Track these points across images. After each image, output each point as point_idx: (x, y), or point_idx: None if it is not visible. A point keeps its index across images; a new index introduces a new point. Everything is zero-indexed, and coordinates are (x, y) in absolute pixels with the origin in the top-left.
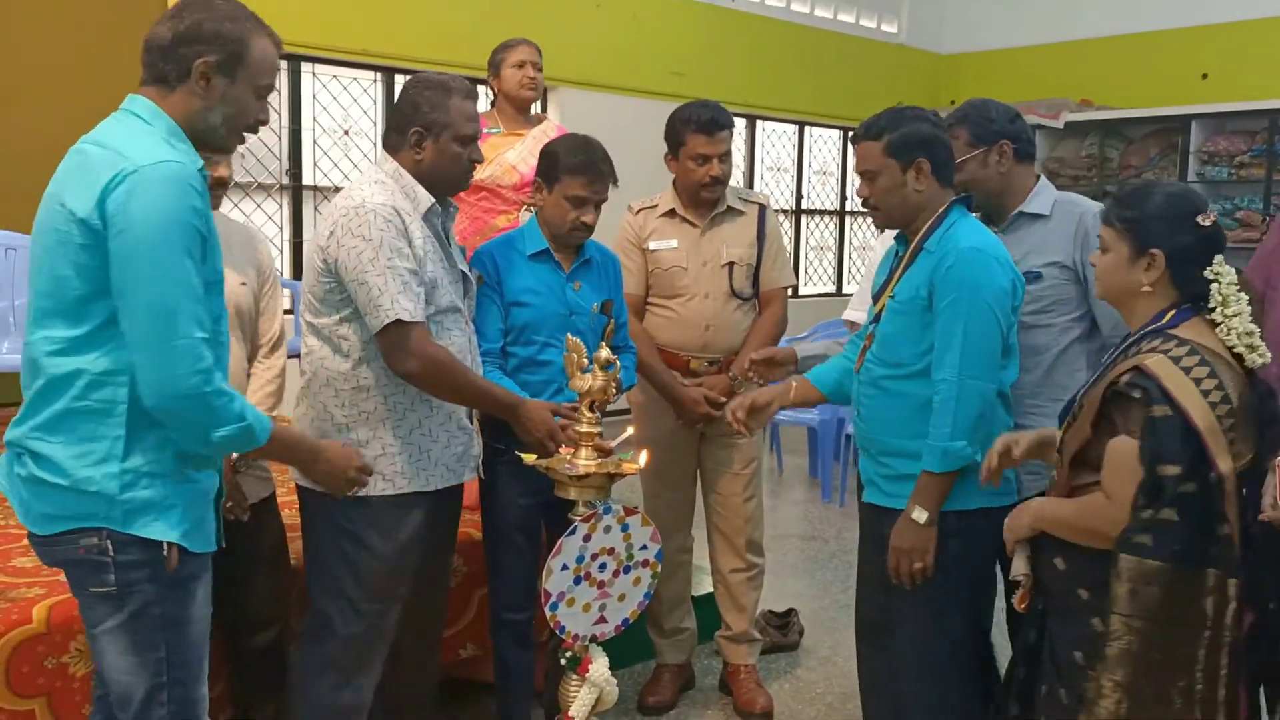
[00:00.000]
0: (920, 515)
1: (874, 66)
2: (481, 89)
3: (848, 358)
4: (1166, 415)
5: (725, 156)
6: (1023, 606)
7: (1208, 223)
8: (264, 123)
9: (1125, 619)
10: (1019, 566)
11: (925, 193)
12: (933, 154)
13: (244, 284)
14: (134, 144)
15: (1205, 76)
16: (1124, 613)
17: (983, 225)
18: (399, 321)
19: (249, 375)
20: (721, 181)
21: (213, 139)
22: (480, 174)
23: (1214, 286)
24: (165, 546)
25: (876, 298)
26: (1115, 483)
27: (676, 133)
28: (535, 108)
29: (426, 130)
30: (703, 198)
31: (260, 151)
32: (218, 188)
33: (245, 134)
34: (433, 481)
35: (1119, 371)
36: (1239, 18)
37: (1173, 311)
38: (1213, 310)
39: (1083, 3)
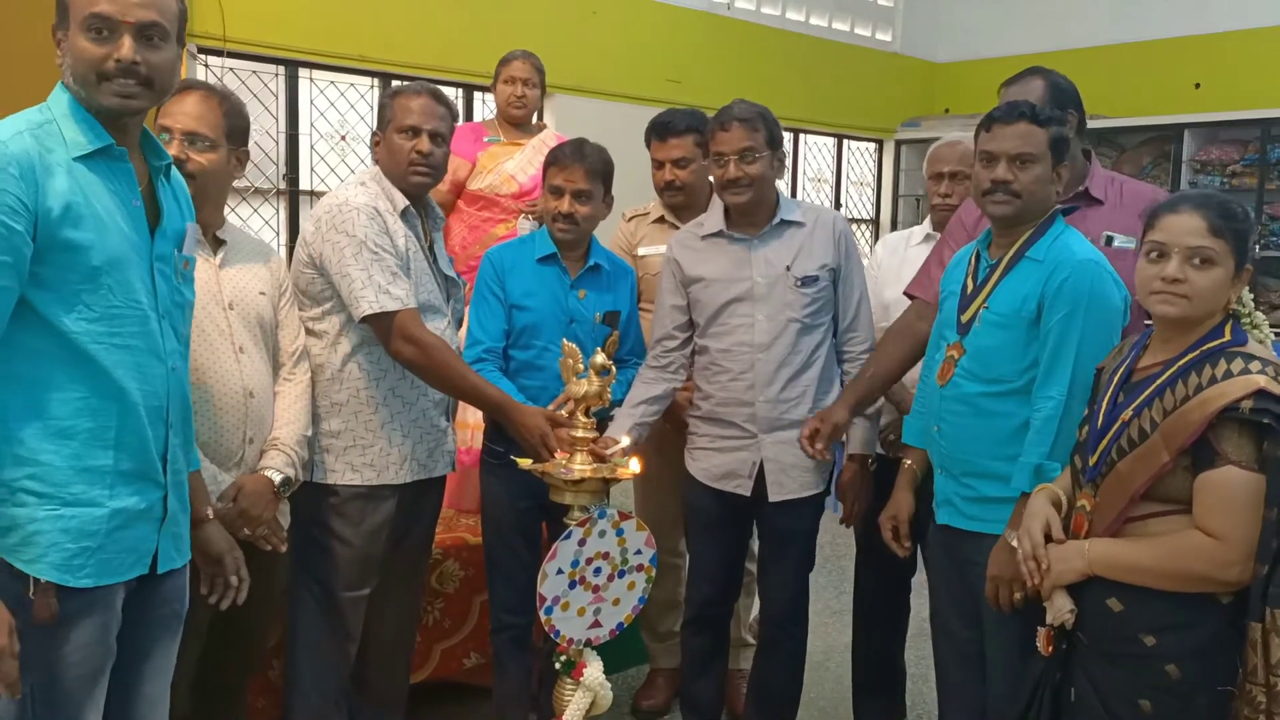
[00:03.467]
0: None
1: (868, 75)
2: (488, 96)
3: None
4: None
5: (682, 162)
6: (1049, 650)
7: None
8: (122, 60)
9: None
10: (1063, 605)
11: (1055, 198)
12: (1066, 162)
13: (263, 294)
14: None
15: (1198, 86)
16: None
17: (1084, 237)
18: (388, 311)
19: (275, 393)
20: (675, 187)
21: (89, 105)
22: (479, 183)
23: (1245, 302)
24: (31, 583)
25: (963, 306)
26: (1226, 521)
27: (646, 139)
28: (535, 116)
29: (381, 130)
30: (665, 203)
31: (257, 156)
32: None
33: (116, 84)
34: (402, 475)
35: (1234, 395)
36: (1231, 28)
37: (1229, 325)
38: (1252, 327)
39: (1076, 12)
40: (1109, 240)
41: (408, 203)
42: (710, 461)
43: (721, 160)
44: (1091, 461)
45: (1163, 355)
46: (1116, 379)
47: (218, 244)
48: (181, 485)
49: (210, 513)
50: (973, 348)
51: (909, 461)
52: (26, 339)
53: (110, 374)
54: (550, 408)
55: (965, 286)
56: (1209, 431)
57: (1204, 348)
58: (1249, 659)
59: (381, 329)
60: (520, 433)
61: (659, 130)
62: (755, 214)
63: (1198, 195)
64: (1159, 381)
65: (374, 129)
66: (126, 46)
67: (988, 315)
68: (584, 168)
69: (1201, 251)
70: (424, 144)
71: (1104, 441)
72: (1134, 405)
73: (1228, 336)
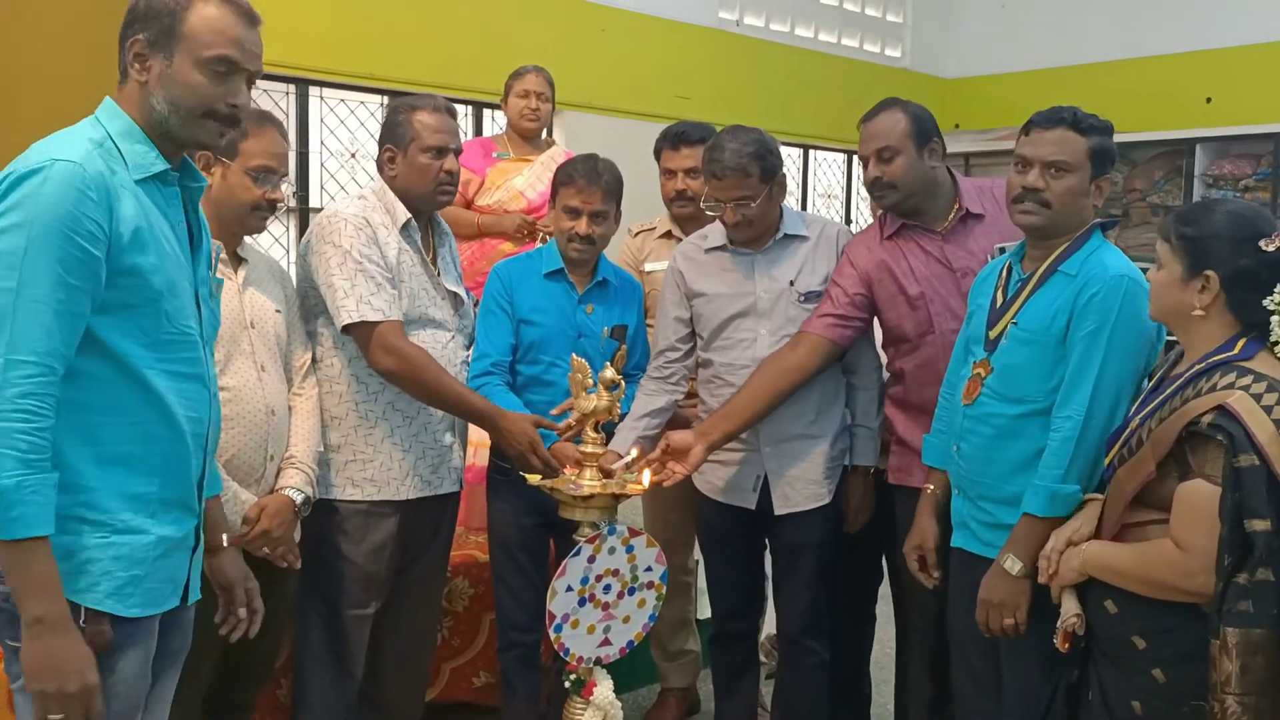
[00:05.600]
0: (1013, 565)
1: (878, 91)
2: (498, 114)
3: (945, 398)
4: (1254, 465)
5: (694, 172)
6: (1065, 647)
7: (1272, 247)
8: (235, 106)
9: (1240, 698)
10: (1070, 607)
11: (1091, 212)
12: (1110, 175)
13: (278, 311)
14: (43, 145)
15: (1209, 100)
16: (1237, 692)
17: (1124, 254)
18: (368, 321)
19: (290, 409)
20: (687, 197)
21: (169, 129)
22: (488, 199)
23: (1275, 319)
24: (83, 613)
25: (991, 321)
26: (1190, 532)
27: (657, 150)
28: (544, 133)
29: (396, 146)
30: (675, 213)
31: None
32: (270, 210)
33: (220, 124)
34: (403, 491)
35: (1201, 409)
36: (1242, 42)
37: (1243, 340)
38: (1275, 345)
39: (1086, 28)
40: (1001, 251)
41: (409, 216)
42: (714, 474)
43: (718, 205)
44: (1106, 464)
45: (1184, 365)
46: (1151, 386)
47: (238, 262)
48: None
49: (225, 540)
50: (1000, 365)
51: (931, 486)
52: (82, 364)
53: (163, 400)
54: (555, 412)
55: (995, 300)
56: (1185, 444)
57: (1210, 360)
58: (1211, 675)
59: (362, 339)
60: (507, 440)
61: (673, 139)
62: (759, 234)
63: (1188, 204)
64: (1167, 391)
65: (384, 144)
66: (245, 94)
67: (1015, 331)
68: (601, 189)
69: (1157, 256)
70: (452, 163)
71: (1115, 446)
72: (1142, 414)
73: (1236, 350)
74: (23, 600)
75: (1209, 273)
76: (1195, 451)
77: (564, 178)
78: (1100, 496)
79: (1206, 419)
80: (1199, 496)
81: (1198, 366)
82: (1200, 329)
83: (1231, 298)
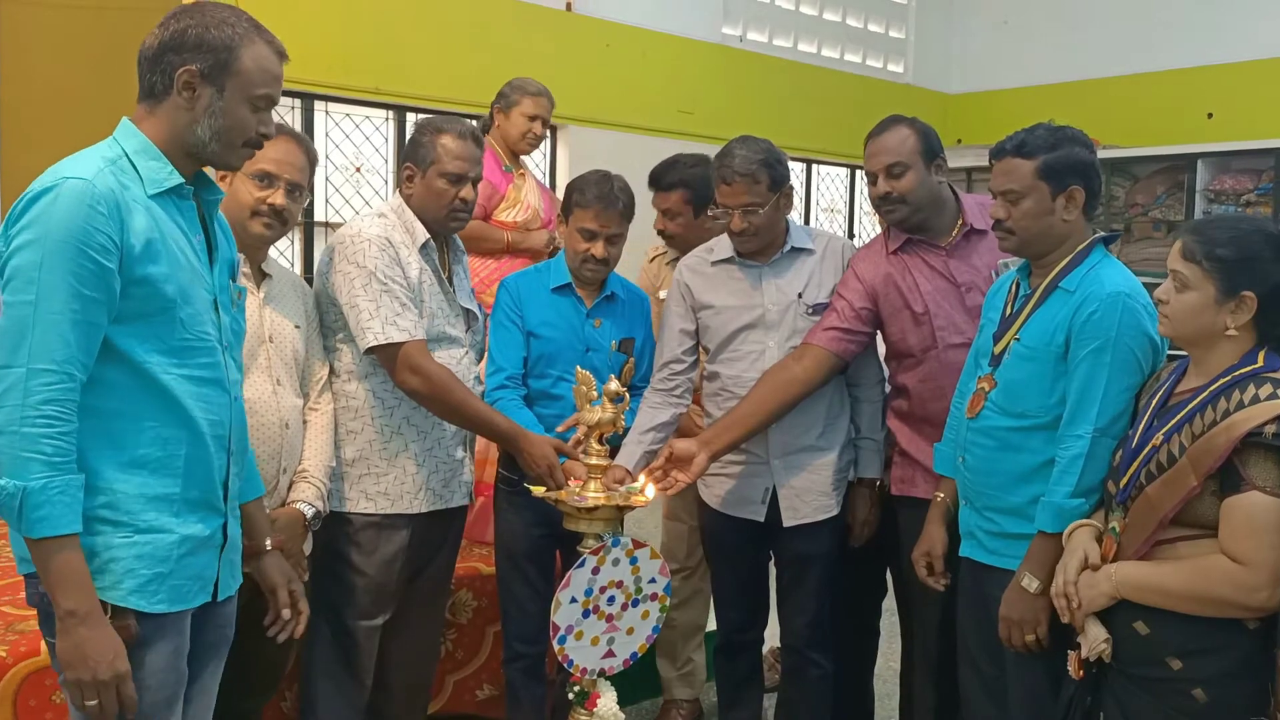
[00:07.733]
0: (1031, 583)
1: (880, 106)
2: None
3: (955, 406)
4: None
5: (669, 214)
6: (1080, 675)
7: None
8: (267, 136)
9: None
10: (1098, 633)
11: (1072, 224)
12: (1088, 183)
13: (297, 327)
14: (59, 166)
15: (1211, 116)
16: None
17: (1126, 268)
18: (394, 342)
19: (305, 423)
20: (667, 236)
21: (204, 154)
22: (511, 215)
23: None
24: (109, 610)
25: (997, 336)
26: (1250, 545)
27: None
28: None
29: (416, 166)
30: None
31: None
32: (272, 216)
33: (251, 149)
34: (416, 505)
35: (1259, 419)
36: (1244, 58)
37: (1263, 353)
38: None
39: (1088, 43)
40: (1005, 266)
41: (428, 236)
42: (723, 487)
43: (726, 213)
44: (1121, 484)
45: (1197, 381)
46: (1154, 404)
47: (262, 277)
48: (237, 511)
49: (270, 544)
50: (1003, 380)
51: (941, 495)
52: (102, 371)
53: (181, 404)
54: (560, 428)
55: (1004, 315)
56: (1235, 456)
57: (1235, 373)
58: (1277, 683)
59: (387, 360)
60: (527, 461)
61: (650, 181)
62: (765, 246)
63: (1201, 220)
64: (1190, 406)
65: (405, 161)
66: (272, 122)
67: (1018, 347)
68: (619, 213)
69: (1175, 276)
70: (469, 192)
71: (1134, 465)
72: (1164, 430)
73: (1260, 363)
74: (55, 595)
75: (1247, 294)
76: (1248, 463)
77: (580, 200)
78: (1091, 523)
79: (1270, 429)
80: (1258, 508)
81: (1222, 380)
82: (1225, 347)
83: (1262, 315)
